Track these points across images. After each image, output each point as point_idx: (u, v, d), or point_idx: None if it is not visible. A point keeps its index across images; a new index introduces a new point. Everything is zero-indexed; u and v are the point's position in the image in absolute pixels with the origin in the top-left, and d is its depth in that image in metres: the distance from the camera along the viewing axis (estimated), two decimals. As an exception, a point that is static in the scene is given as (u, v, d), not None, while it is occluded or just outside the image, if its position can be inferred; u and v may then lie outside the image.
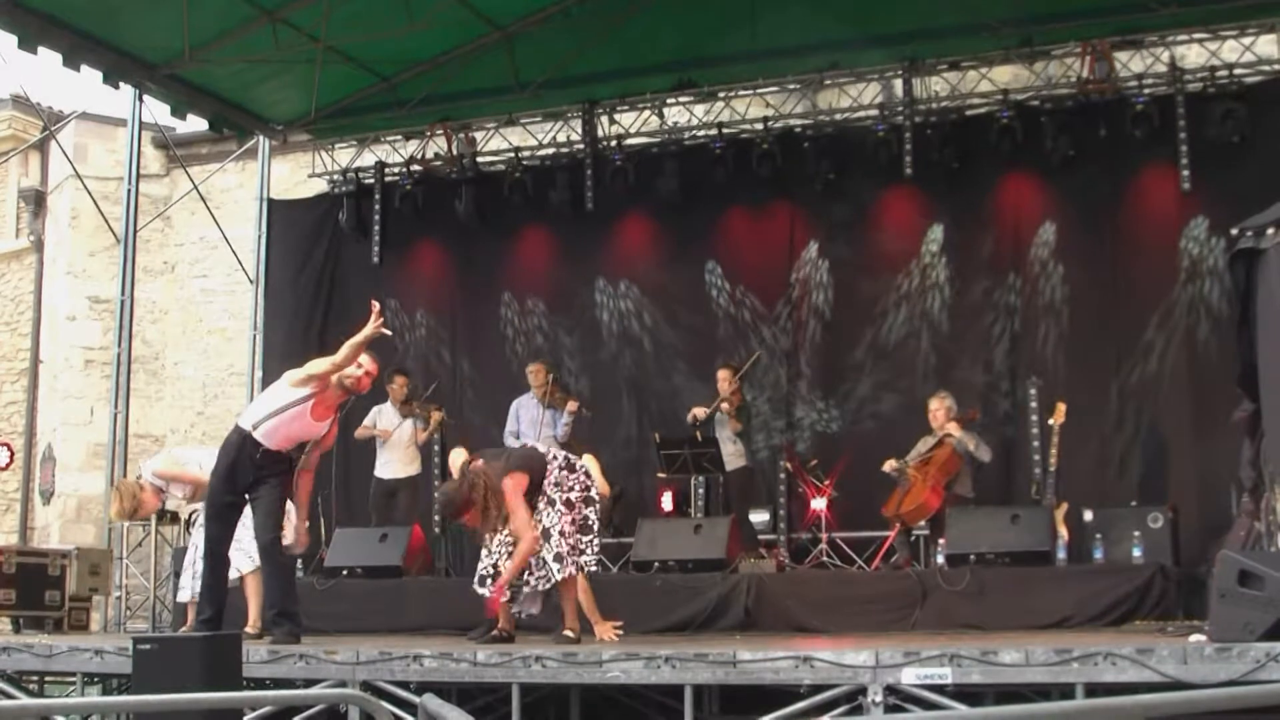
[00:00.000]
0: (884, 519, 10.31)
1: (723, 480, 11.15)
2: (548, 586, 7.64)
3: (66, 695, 8.43)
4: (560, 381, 11.61)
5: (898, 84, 11.95)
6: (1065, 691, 5.93)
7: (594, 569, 7.95)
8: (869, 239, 11.88)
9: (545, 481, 7.68)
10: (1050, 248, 11.23)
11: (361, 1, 11.40)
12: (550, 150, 12.91)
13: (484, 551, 7.87)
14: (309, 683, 7.05)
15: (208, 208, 14.26)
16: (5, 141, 17.09)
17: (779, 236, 12.18)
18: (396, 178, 13.27)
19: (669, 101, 12.62)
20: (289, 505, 8.03)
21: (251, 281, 13.88)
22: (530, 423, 11.20)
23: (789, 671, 6.22)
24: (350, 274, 13.44)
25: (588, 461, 8.05)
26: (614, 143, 12.61)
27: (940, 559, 9.78)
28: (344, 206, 13.31)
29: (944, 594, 9.00)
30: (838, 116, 12.02)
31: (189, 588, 8.87)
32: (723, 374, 11.11)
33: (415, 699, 6.50)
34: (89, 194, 14.06)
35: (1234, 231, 6.72)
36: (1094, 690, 5.73)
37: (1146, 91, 10.93)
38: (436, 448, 11.92)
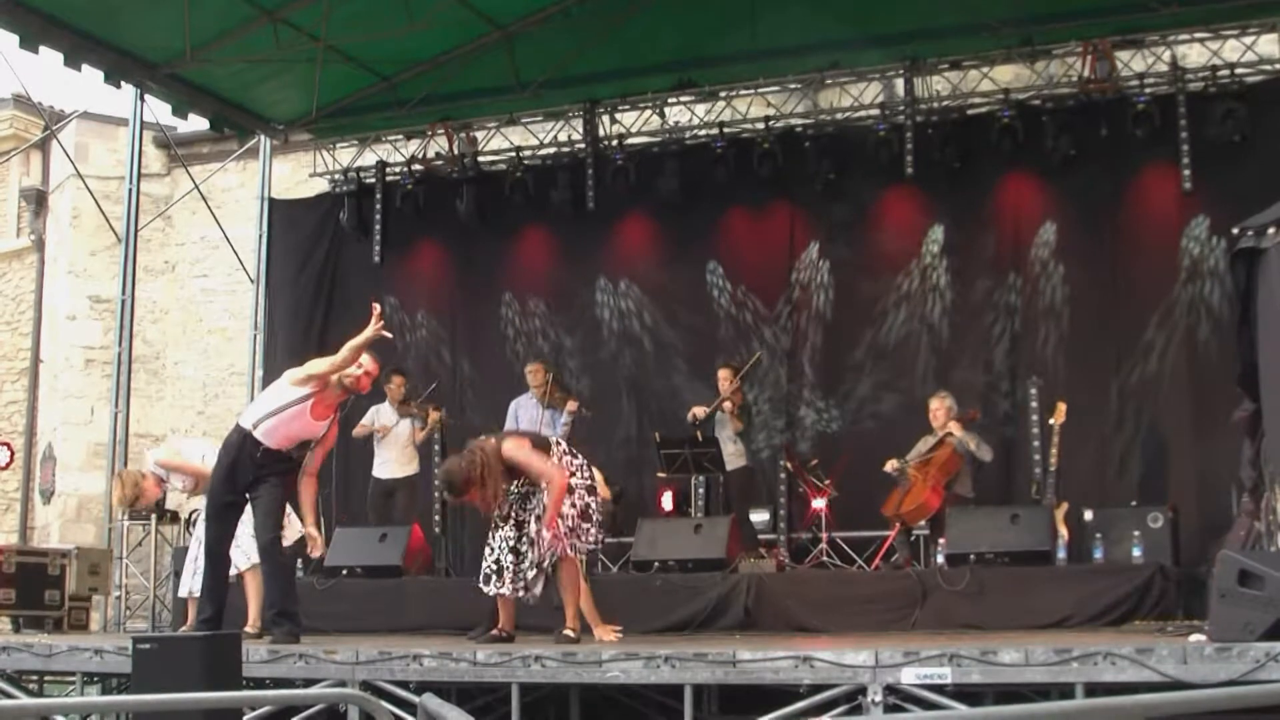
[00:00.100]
0: (884, 519, 10.31)
1: (723, 480, 11.14)
2: (552, 562, 7.60)
3: (66, 695, 8.42)
4: (560, 381, 11.61)
5: (899, 83, 11.95)
6: (1065, 691, 5.93)
7: (592, 549, 7.91)
8: (870, 239, 11.88)
9: (565, 416, 7.72)
10: (1051, 247, 11.22)
11: (362, 1, 11.40)
12: (551, 150, 12.91)
13: (487, 549, 7.84)
14: (308, 682, 7.05)
15: (209, 207, 14.26)
16: (6, 141, 17.10)
17: (780, 236, 12.18)
18: (397, 177, 13.28)
19: (670, 101, 12.62)
20: (302, 506, 7.99)
21: (252, 281, 13.89)
22: (530, 423, 11.19)
23: (789, 671, 6.22)
24: (351, 273, 13.44)
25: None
26: (615, 142, 12.61)
27: (940, 559, 9.78)
28: (345, 206, 13.31)
29: (944, 594, 9.00)
30: (839, 116, 12.02)
31: (190, 584, 8.86)
32: (723, 374, 11.11)
33: (415, 699, 6.50)
34: (90, 193, 14.08)
35: (1235, 231, 6.71)
36: (1094, 690, 5.73)
37: (1147, 91, 10.92)
38: (436, 448, 11.92)
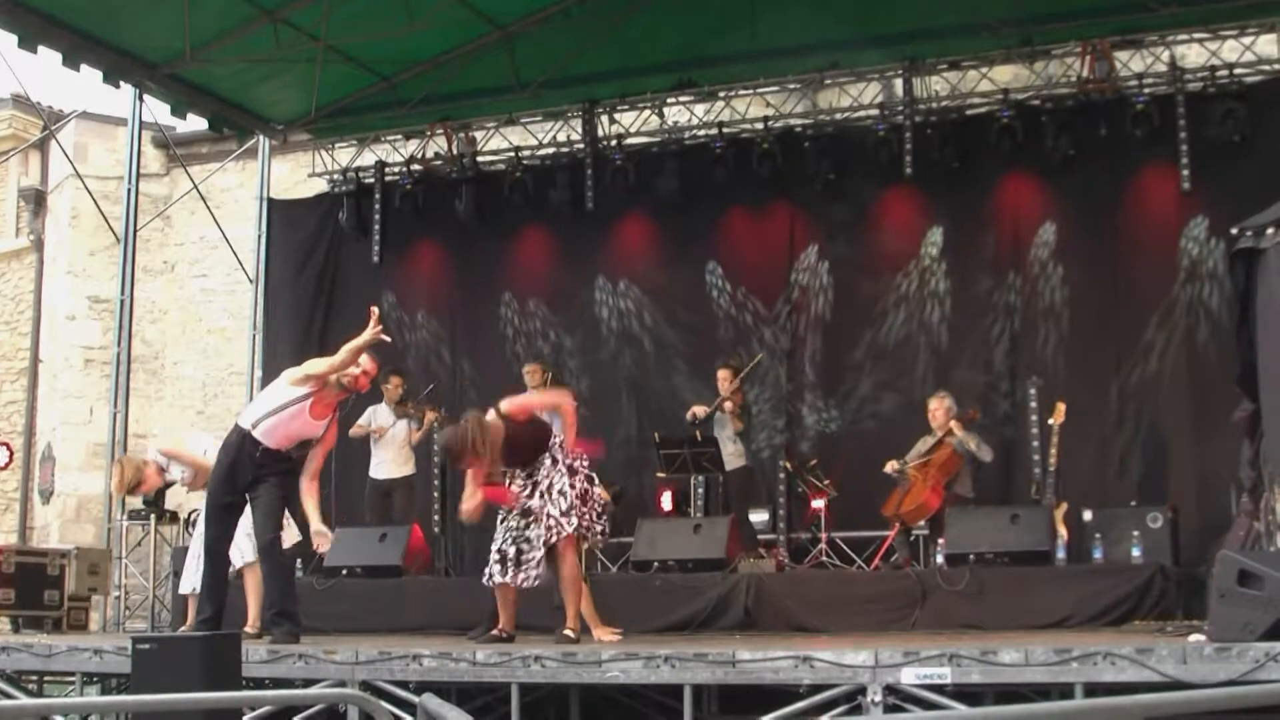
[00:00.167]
0: (884, 519, 10.31)
1: (722, 480, 11.14)
2: (558, 539, 7.57)
3: (65, 695, 8.42)
4: (559, 381, 11.60)
5: (898, 84, 11.95)
6: (1065, 691, 5.93)
7: (597, 538, 7.89)
8: (869, 239, 11.88)
9: (551, 443, 7.71)
10: (1050, 247, 11.22)
11: (362, 1, 11.40)
12: (550, 150, 12.91)
13: (493, 543, 7.80)
14: (308, 682, 7.05)
15: (208, 207, 14.26)
16: (5, 141, 17.10)
17: (779, 236, 12.18)
18: (397, 177, 13.27)
19: (669, 101, 12.62)
20: (305, 508, 7.99)
21: (251, 281, 13.89)
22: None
23: (788, 671, 6.22)
24: (350, 273, 13.44)
25: None
26: (614, 142, 12.60)
27: (940, 559, 9.78)
28: (344, 206, 13.31)
29: (943, 594, 8.99)
30: (838, 116, 12.02)
31: (192, 581, 8.86)
32: (723, 374, 11.11)
33: (414, 699, 6.49)
34: (89, 193, 14.07)
35: (1234, 231, 6.71)
36: (1093, 690, 5.73)
37: (1147, 91, 10.93)
38: (436, 447, 11.91)
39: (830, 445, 11.61)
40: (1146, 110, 10.79)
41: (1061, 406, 9.95)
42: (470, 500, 7.68)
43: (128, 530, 12.36)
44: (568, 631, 7.55)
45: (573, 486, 7.65)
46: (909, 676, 5.94)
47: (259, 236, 13.75)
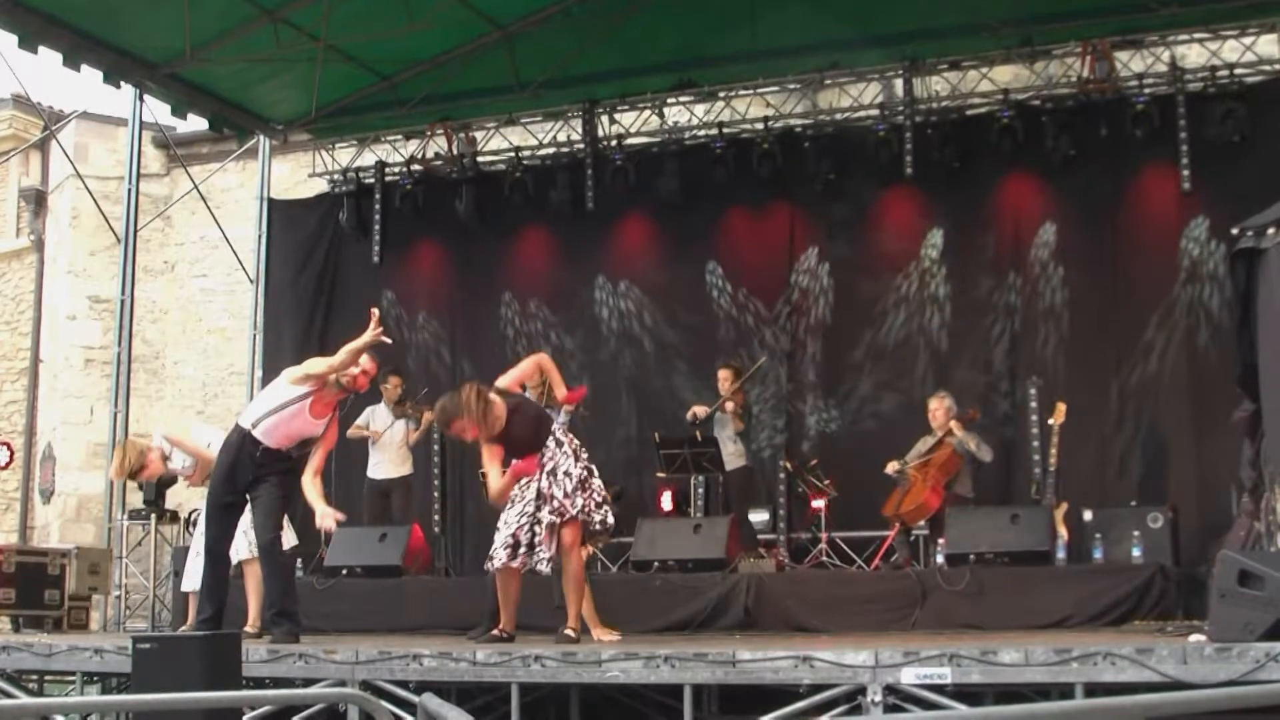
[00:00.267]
0: (884, 519, 10.31)
1: (722, 480, 11.14)
2: (562, 520, 7.54)
3: (66, 694, 8.43)
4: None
5: (898, 84, 11.95)
6: (1065, 691, 5.93)
7: (598, 526, 7.82)
8: (869, 239, 11.88)
9: (554, 427, 7.76)
10: (1050, 248, 11.22)
11: (362, 1, 11.40)
12: (550, 150, 12.92)
13: (502, 527, 7.75)
14: (308, 682, 7.05)
15: (208, 207, 14.26)
16: (6, 141, 17.10)
17: (779, 236, 12.18)
18: (397, 177, 13.27)
19: (669, 101, 12.62)
20: (308, 497, 7.95)
21: (252, 281, 13.89)
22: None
23: (788, 671, 6.22)
24: (350, 273, 13.45)
25: None
26: (614, 142, 12.60)
27: (940, 559, 9.78)
28: (344, 206, 13.31)
29: (943, 594, 9.00)
30: (838, 116, 12.02)
31: (194, 579, 8.85)
32: (724, 374, 11.11)
33: (415, 698, 6.49)
34: (89, 193, 14.07)
35: (1234, 231, 6.71)
36: (1093, 690, 5.73)
37: (1147, 91, 10.93)
38: (436, 448, 11.93)
39: (830, 445, 11.61)
40: (1147, 110, 10.79)
41: (1062, 406, 9.95)
42: (500, 481, 7.55)
43: (128, 530, 12.36)
44: (569, 631, 7.55)
45: (575, 466, 7.66)
46: (909, 676, 5.94)
47: (259, 236, 13.75)
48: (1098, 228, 11.11)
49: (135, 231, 12.89)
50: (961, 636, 7.94)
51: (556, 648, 6.92)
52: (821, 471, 11.04)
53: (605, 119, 12.77)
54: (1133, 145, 10.91)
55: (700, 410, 11.10)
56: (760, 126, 12.13)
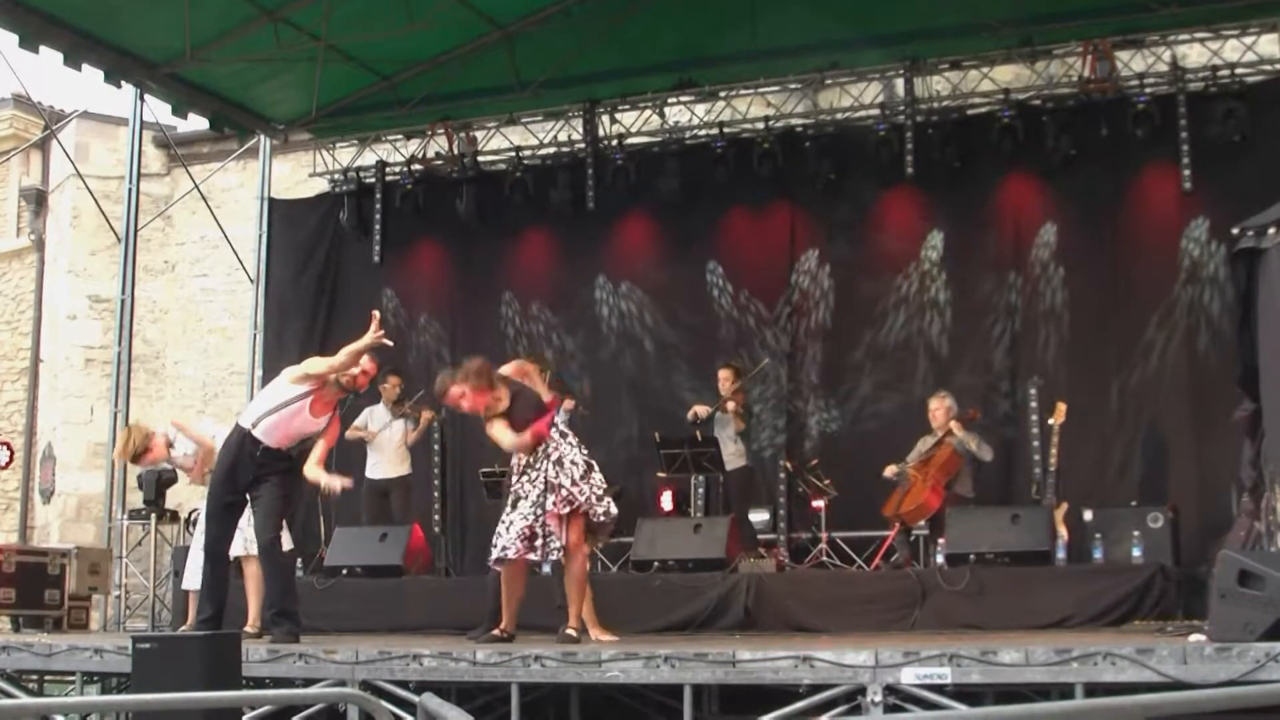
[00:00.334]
0: (884, 518, 10.31)
1: (723, 480, 11.14)
2: (572, 509, 7.54)
3: (66, 694, 8.43)
4: (556, 379, 11.58)
5: (899, 83, 11.95)
6: (1065, 691, 5.93)
7: (601, 518, 7.80)
8: (870, 239, 11.87)
9: (558, 417, 7.81)
10: (1051, 248, 11.22)
11: (362, 1, 11.39)
12: (551, 150, 12.91)
13: (516, 520, 7.65)
14: (308, 682, 7.05)
15: (209, 207, 14.26)
16: (6, 140, 17.10)
17: (780, 236, 12.17)
18: (397, 177, 13.27)
19: (670, 101, 12.62)
20: (309, 476, 7.95)
21: (252, 281, 13.89)
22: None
23: (788, 671, 6.22)
24: (351, 273, 13.45)
25: None
26: (615, 142, 12.60)
27: (940, 559, 9.78)
28: (345, 206, 13.31)
29: (944, 594, 8.99)
30: (839, 116, 12.02)
31: (194, 579, 8.85)
32: (724, 374, 11.11)
33: (415, 698, 6.49)
34: (90, 193, 14.08)
35: (1235, 231, 6.71)
36: (1094, 690, 5.73)
37: (1148, 91, 10.92)
38: (436, 447, 11.92)
39: (831, 445, 11.60)
40: (1147, 110, 10.79)
41: (1062, 406, 9.95)
42: (523, 437, 7.54)
43: (128, 530, 12.37)
44: (570, 631, 7.55)
45: (579, 455, 7.67)
46: (909, 676, 5.94)
47: (260, 236, 13.76)
48: (1098, 227, 11.11)
49: (136, 231, 12.89)
50: (961, 636, 7.94)
51: (556, 648, 6.92)
52: (822, 471, 11.03)
53: (606, 119, 12.77)
54: (1133, 145, 10.91)
55: (701, 410, 11.10)
56: (761, 126, 12.13)
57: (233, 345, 15.71)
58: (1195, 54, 11.28)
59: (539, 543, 7.54)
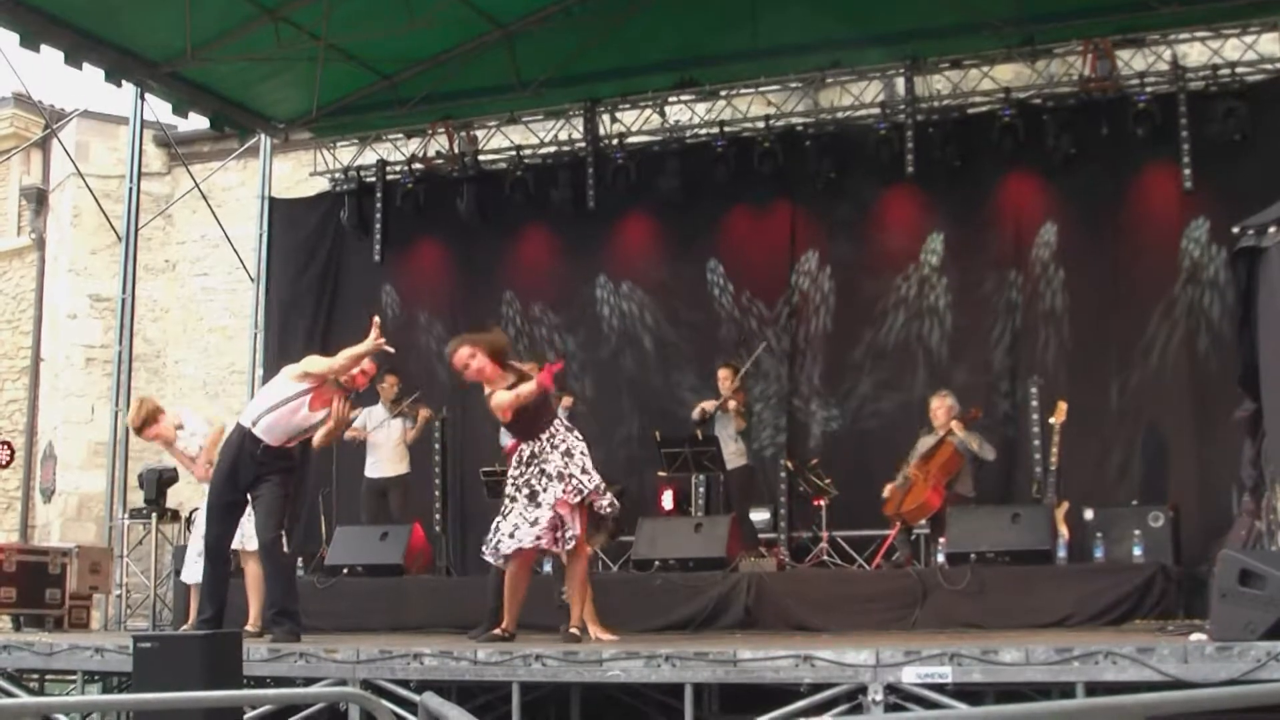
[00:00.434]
0: (885, 517, 10.31)
1: (723, 479, 11.14)
2: (578, 498, 7.50)
3: (67, 693, 8.43)
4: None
5: (899, 82, 11.95)
6: (1066, 690, 5.93)
7: (611, 508, 7.78)
8: (871, 238, 11.87)
9: (561, 411, 7.78)
10: (1051, 247, 11.22)
11: (362, 0, 11.39)
12: (552, 148, 12.91)
13: (526, 514, 7.58)
14: (309, 681, 7.05)
15: (209, 206, 14.26)
16: (7, 139, 17.11)
17: (780, 235, 12.17)
18: (398, 176, 13.28)
19: (670, 100, 12.62)
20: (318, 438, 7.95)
21: (253, 280, 13.89)
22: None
23: (789, 670, 6.22)
24: (352, 272, 13.45)
25: None
26: (615, 141, 12.61)
27: (941, 558, 9.77)
28: (345, 205, 13.31)
29: (944, 593, 8.99)
30: (839, 115, 12.02)
31: (194, 572, 8.85)
32: (724, 373, 11.11)
33: (415, 697, 6.49)
34: (90, 192, 14.08)
35: (1235, 230, 6.71)
36: (1094, 689, 5.73)
37: (1148, 90, 10.92)
38: (437, 446, 11.92)
39: (831, 444, 11.60)
40: (1148, 109, 10.78)
41: (1063, 405, 9.94)
42: (527, 387, 7.49)
43: (129, 529, 12.37)
44: (573, 629, 7.55)
45: (579, 445, 7.67)
46: (910, 676, 5.94)
47: (260, 235, 13.76)
48: (1099, 226, 11.11)
49: (136, 230, 12.90)
50: (962, 636, 7.94)
51: (557, 647, 6.92)
52: (822, 470, 11.03)
53: (606, 118, 12.77)
54: (1134, 144, 10.90)
55: (709, 405, 11.07)
56: (761, 125, 12.13)
57: (233, 344, 15.72)
58: (1196, 53, 11.28)
59: (558, 534, 7.51)
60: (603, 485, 7.67)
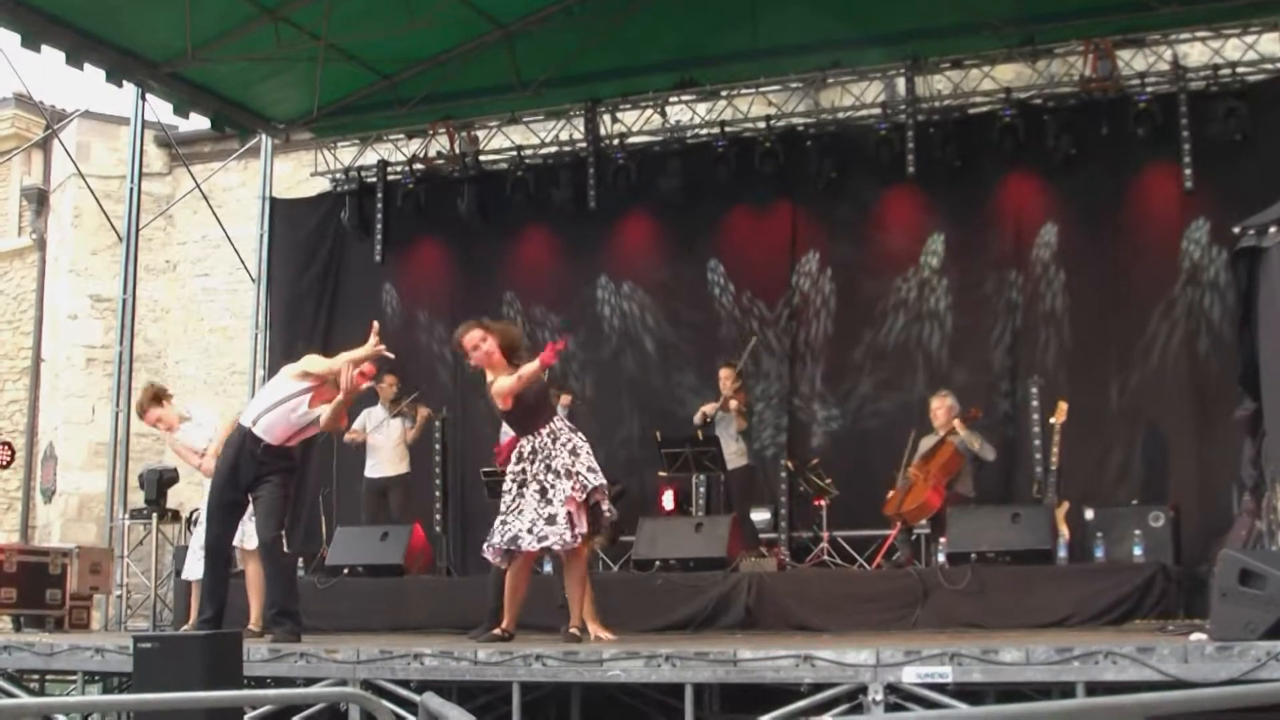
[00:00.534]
0: (885, 517, 10.31)
1: (724, 479, 11.13)
2: (583, 496, 7.48)
3: (67, 694, 8.43)
4: (555, 378, 11.59)
5: (900, 82, 11.95)
6: (1066, 690, 5.93)
7: (610, 513, 7.79)
8: (871, 238, 11.87)
9: (560, 410, 7.80)
10: (1052, 247, 11.22)
11: (362, 0, 11.40)
12: (552, 149, 12.91)
13: (538, 510, 7.55)
14: (309, 681, 7.06)
15: (210, 206, 14.27)
16: (8, 140, 17.11)
17: (781, 235, 12.17)
18: (399, 176, 13.28)
19: (671, 100, 12.62)
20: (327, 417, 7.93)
21: (253, 280, 13.90)
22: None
23: (789, 670, 6.22)
24: (352, 272, 13.45)
25: None
26: (616, 141, 12.61)
27: (941, 558, 9.77)
28: (346, 205, 13.31)
29: (945, 593, 8.99)
30: (840, 115, 12.02)
31: (194, 569, 8.85)
32: (725, 373, 11.10)
33: (416, 698, 6.50)
34: (91, 192, 14.09)
35: (1236, 230, 6.71)
36: (1095, 689, 5.73)
37: (1149, 90, 10.91)
38: (437, 446, 11.92)
39: (831, 444, 11.60)
40: (1149, 109, 10.78)
41: (1063, 405, 9.94)
42: (530, 366, 7.49)
43: (129, 529, 12.37)
44: (573, 629, 7.55)
45: (584, 446, 7.67)
46: (910, 675, 5.95)
47: (261, 235, 13.76)
48: (1099, 226, 11.10)
49: (137, 230, 12.90)
50: (963, 635, 7.94)
51: (557, 647, 6.93)
52: (823, 470, 11.03)
53: (607, 118, 12.77)
54: (1134, 144, 10.90)
55: (710, 409, 11.07)
56: (762, 125, 12.13)
57: (234, 345, 15.72)
58: (1196, 53, 11.28)
59: (566, 527, 7.50)
60: (606, 485, 7.68)
